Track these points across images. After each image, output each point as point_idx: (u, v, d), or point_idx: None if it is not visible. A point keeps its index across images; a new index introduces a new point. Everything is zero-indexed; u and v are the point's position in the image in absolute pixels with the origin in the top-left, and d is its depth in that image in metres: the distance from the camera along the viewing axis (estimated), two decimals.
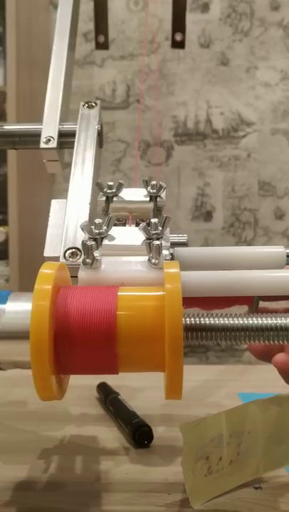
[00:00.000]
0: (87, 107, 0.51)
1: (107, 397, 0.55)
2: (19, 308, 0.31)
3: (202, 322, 0.31)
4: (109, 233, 0.36)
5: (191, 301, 0.36)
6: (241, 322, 0.31)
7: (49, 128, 0.49)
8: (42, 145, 0.49)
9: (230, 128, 1.72)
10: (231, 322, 0.31)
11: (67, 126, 0.50)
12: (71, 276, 0.36)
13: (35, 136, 0.50)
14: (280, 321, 0.31)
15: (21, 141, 0.52)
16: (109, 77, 1.74)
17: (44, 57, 1.70)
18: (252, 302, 0.37)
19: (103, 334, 0.30)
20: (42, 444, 0.48)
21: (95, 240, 0.35)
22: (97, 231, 0.35)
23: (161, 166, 1.73)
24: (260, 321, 0.31)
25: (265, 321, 0.31)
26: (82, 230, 0.36)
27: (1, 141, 0.53)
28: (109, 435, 0.50)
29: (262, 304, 0.37)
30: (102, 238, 0.35)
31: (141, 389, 0.59)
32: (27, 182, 1.54)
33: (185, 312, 0.30)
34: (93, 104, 0.51)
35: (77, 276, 0.35)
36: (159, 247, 0.34)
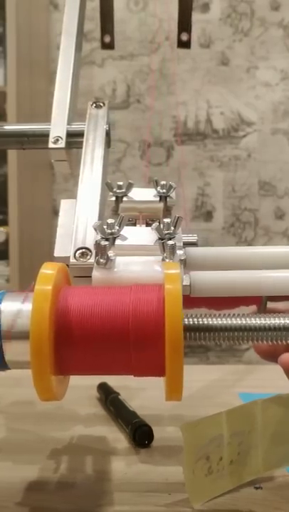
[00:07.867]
0: (95, 106, 0.51)
1: (108, 397, 0.55)
2: (14, 308, 0.31)
3: (202, 322, 0.31)
4: (121, 233, 0.36)
5: (199, 300, 0.36)
6: (240, 322, 0.31)
7: (57, 128, 0.49)
8: (50, 145, 0.49)
9: (230, 128, 1.72)
10: (231, 322, 0.31)
11: (76, 126, 0.50)
12: (81, 276, 0.36)
13: (44, 136, 0.50)
14: (278, 321, 0.31)
15: (29, 141, 0.51)
16: (110, 77, 1.74)
17: (44, 57, 1.70)
18: (260, 302, 0.37)
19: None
20: (41, 444, 0.48)
21: (108, 239, 0.35)
22: (109, 231, 0.35)
23: (161, 166, 1.72)
24: (260, 322, 0.31)
25: (265, 322, 0.31)
26: (95, 230, 0.35)
27: (9, 141, 0.53)
28: (110, 435, 0.50)
29: (270, 305, 0.37)
30: (115, 238, 0.35)
31: (141, 389, 0.59)
32: (27, 182, 1.54)
33: (185, 312, 0.30)
34: (101, 104, 0.51)
35: (86, 276, 0.35)
36: (173, 247, 0.34)
